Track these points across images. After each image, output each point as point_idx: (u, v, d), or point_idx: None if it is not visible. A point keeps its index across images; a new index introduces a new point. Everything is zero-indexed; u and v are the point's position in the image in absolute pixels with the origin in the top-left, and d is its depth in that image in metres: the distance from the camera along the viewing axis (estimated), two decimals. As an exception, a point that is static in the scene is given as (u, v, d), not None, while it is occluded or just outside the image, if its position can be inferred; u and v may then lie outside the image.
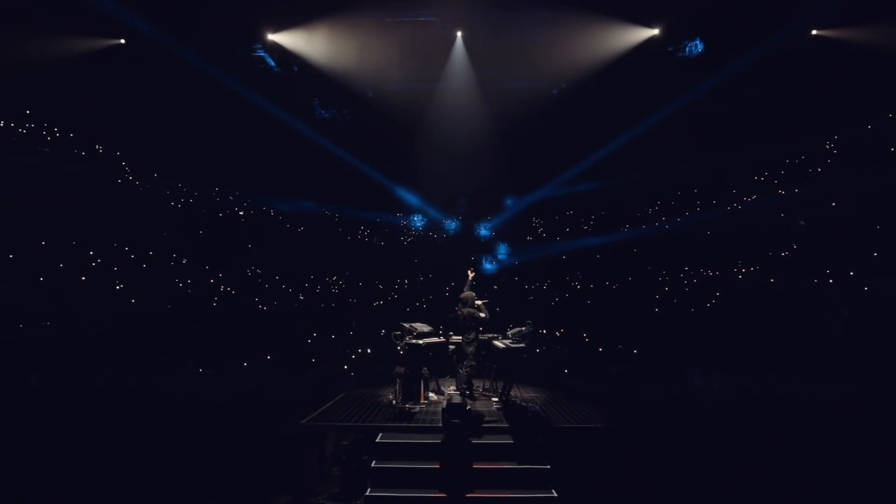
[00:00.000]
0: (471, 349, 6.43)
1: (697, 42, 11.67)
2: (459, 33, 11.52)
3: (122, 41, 11.27)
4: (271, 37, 11.74)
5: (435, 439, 5.09)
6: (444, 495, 4.60)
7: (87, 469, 6.37)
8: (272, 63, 13.44)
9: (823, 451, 6.83)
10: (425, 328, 6.73)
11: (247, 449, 6.89)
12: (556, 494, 4.61)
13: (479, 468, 4.83)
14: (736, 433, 7.54)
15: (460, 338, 6.55)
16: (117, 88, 12.35)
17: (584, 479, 4.96)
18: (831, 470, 6.23)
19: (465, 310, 6.46)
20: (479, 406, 6.13)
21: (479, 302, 6.56)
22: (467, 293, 6.60)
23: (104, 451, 6.89)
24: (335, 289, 14.54)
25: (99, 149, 13.59)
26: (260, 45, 12.65)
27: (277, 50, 12.43)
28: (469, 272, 6.86)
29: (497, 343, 6.30)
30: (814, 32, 10.65)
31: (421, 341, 6.33)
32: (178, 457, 6.69)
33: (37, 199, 11.54)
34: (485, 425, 5.34)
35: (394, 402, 6.21)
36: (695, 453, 6.22)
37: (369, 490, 4.71)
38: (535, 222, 15.79)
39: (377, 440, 5.17)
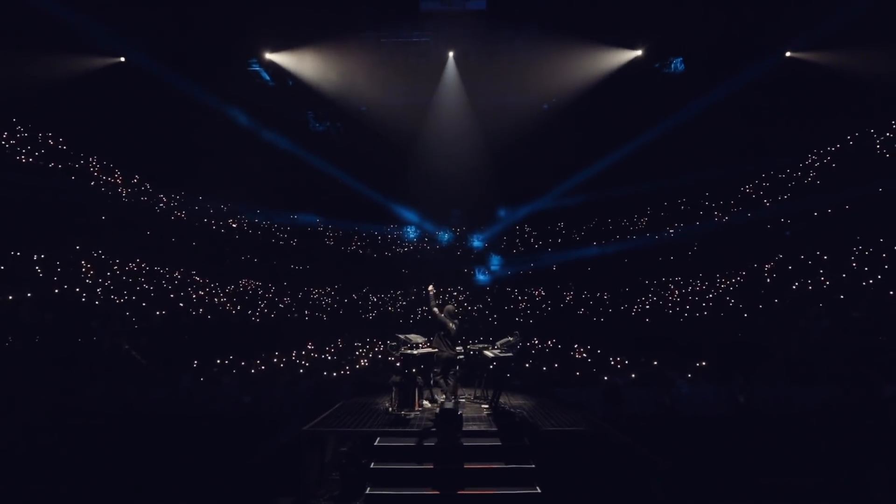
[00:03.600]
0: (459, 359, 7.07)
1: (681, 60, 12.57)
2: (451, 53, 12.31)
3: (122, 59, 11.90)
4: (269, 56, 12.41)
5: (429, 442, 5.69)
6: (437, 492, 5.20)
7: (89, 477, 6.87)
8: (267, 77, 14.11)
9: (797, 452, 7.49)
10: (419, 339, 7.35)
11: (248, 456, 7.40)
12: (539, 491, 5.23)
13: (469, 468, 5.43)
14: (715, 436, 8.21)
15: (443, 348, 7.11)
16: (113, 104, 12.93)
17: (565, 477, 5.59)
18: (802, 470, 6.92)
19: (456, 322, 7.10)
20: (471, 412, 6.75)
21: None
22: (451, 307, 7.24)
23: (107, 461, 7.37)
24: (328, 300, 15.13)
25: (92, 160, 14.11)
26: (255, 60, 13.33)
27: (273, 66, 13.10)
28: (430, 287, 7.43)
29: (487, 353, 6.94)
30: (788, 55, 11.58)
31: (415, 352, 6.94)
32: (181, 465, 7.19)
33: (33, 213, 12.03)
34: (474, 429, 5.97)
35: (390, 409, 6.81)
36: (673, 454, 6.86)
37: (369, 489, 5.29)
38: (527, 234, 16.55)
39: (376, 443, 5.76)
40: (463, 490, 5.23)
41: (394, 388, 6.86)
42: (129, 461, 7.33)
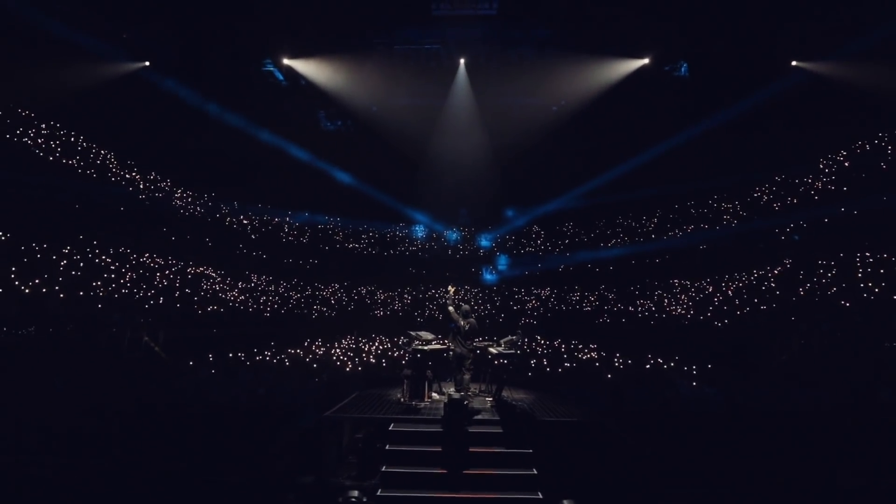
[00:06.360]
0: (472, 354, 8.01)
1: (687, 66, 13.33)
2: (462, 59, 13.19)
3: (147, 63, 12.95)
4: (286, 62, 13.37)
5: (438, 428, 6.65)
6: (445, 471, 6.16)
7: (120, 456, 7.90)
8: (280, 77, 15.04)
9: (788, 449, 8.30)
10: (429, 336, 8.31)
11: (268, 442, 8.39)
12: (535, 472, 6.17)
13: (473, 451, 6.38)
14: (708, 432, 9.04)
15: (458, 344, 8.05)
16: (133, 106, 13.97)
17: (560, 461, 6.52)
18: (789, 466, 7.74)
19: (470, 320, 8.02)
20: (476, 404, 7.69)
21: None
22: (466, 307, 8.17)
23: (135, 445, 8.39)
24: (337, 296, 16.16)
25: (110, 156, 15.14)
26: (269, 61, 14.26)
27: (287, 68, 14.04)
28: (450, 287, 8.40)
29: (491, 350, 7.88)
30: (794, 64, 12.30)
31: (426, 347, 7.89)
32: (209, 449, 8.20)
33: (58, 209, 13.09)
34: (479, 418, 6.91)
35: (402, 399, 7.79)
36: (659, 444, 7.76)
37: (385, 467, 6.25)
38: (534, 234, 17.42)
39: (390, 429, 6.73)
40: (468, 470, 6.18)
41: (405, 381, 7.82)
42: (156, 446, 8.32)
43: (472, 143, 15.53)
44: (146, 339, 13.02)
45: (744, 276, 14.02)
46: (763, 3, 10.94)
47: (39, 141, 13.38)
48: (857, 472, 7.54)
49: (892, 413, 9.68)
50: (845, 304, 12.33)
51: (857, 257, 12.66)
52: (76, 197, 13.50)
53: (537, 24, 12.34)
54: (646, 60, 12.71)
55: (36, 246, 12.31)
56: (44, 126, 13.54)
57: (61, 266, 12.46)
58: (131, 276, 13.61)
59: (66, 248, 12.80)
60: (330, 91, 14.06)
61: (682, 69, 13.87)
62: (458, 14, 11.83)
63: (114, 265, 13.49)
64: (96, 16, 11.25)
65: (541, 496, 5.87)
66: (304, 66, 13.51)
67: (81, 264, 12.81)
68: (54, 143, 13.50)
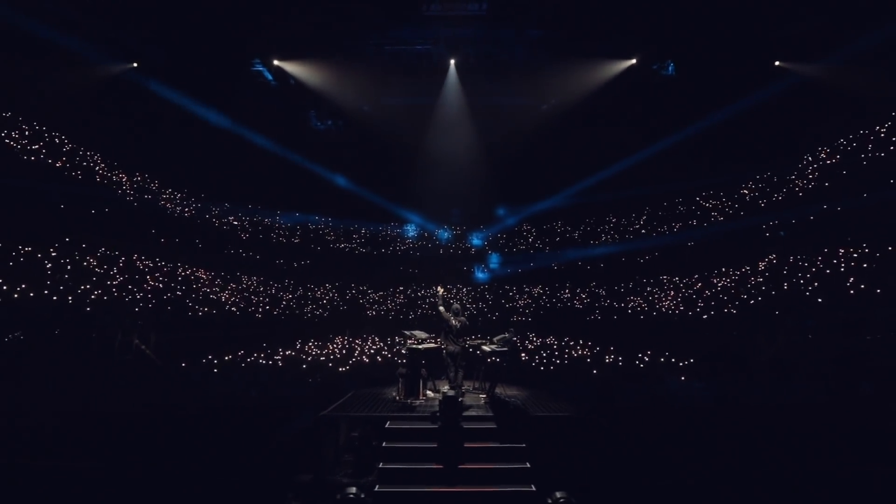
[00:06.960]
0: (465, 352, 8.22)
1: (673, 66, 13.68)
2: (452, 59, 13.39)
3: (135, 65, 12.95)
4: (276, 63, 13.45)
5: (433, 425, 6.84)
6: (441, 466, 6.35)
7: (129, 457, 7.97)
8: (270, 77, 15.11)
9: (770, 442, 8.61)
10: (423, 334, 8.50)
11: (264, 442, 8.51)
12: (529, 466, 6.38)
13: (469, 447, 6.57)
14: (692, 425, 9.33)
15: (450, 342, 8.26)
16: (121, 107, 13.95)
17: (552, 454, 6.75)
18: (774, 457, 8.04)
19: (461, 319, 8.24)
20: (470, 401, 7.90)
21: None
22: (457, 305, 8.38)
23: (129, 447, 8.46)
24: (329, 296, 16.26)
25: (97, 158, 15.08)
26: (258, 61, 14.30)
27: (277, 68, 14.11)
28: (439, 288, 8.64)
29: (484, 347, 8.09)
30: (777, 64, 12.68)
31: (420, 346, 8.08)
32: (209, 448, 8.29)
33: (46, 212, 13.03)
34: (473, 414, 7.12)
35: (397, 398, 7.96)
36: (649, 437, 8.05)
37: (381, 464, 6.43)
38: (525, 232, 17.70)
39: (386, 426, 6.90)
40: (463, 465, 6.38)
41: (400, 379, 8.00)
42: (152, 448, 8.40)
43: (464, 143, 15.75)
44: (137, 341, 13.03)
45: (731, 273, 14.40)
46: (748, 6, 11.28)
47: (24, 143, 13.32)
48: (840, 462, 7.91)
49: (873, 405, 10.06)
50: (829, 299, 12.73)
51: (841, 253, 13.09)
52: (63, 199, 13.44)
53: (527, 24, 12.58)
54: (633, 60, 13.03)
55: (22, 248, 12.28)
56: (27, 128, 13.50)
57: (48, 269, 12.44)
58: (120, 279, 13.60)
59: (53, 251, 12.77)
60: (320, 91, 14.17)
61: (670, 68, 14.20)
62: (448, 14, 12.05)
63: (102, 267, 13.46)
64: (82, 17, 11.23)
65: (534, 489, 6.08)
66: (294, 67, 13.60)
67: (69, 267, 12.78)
68: (39, 144, 13.45)
